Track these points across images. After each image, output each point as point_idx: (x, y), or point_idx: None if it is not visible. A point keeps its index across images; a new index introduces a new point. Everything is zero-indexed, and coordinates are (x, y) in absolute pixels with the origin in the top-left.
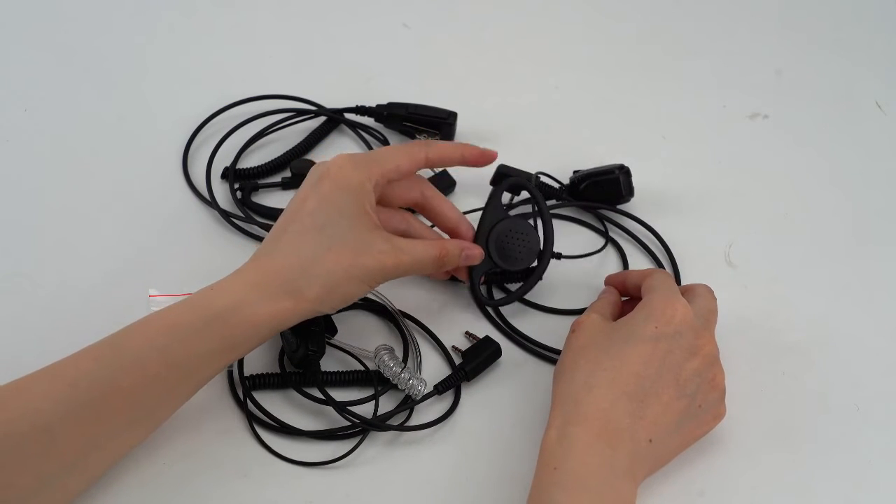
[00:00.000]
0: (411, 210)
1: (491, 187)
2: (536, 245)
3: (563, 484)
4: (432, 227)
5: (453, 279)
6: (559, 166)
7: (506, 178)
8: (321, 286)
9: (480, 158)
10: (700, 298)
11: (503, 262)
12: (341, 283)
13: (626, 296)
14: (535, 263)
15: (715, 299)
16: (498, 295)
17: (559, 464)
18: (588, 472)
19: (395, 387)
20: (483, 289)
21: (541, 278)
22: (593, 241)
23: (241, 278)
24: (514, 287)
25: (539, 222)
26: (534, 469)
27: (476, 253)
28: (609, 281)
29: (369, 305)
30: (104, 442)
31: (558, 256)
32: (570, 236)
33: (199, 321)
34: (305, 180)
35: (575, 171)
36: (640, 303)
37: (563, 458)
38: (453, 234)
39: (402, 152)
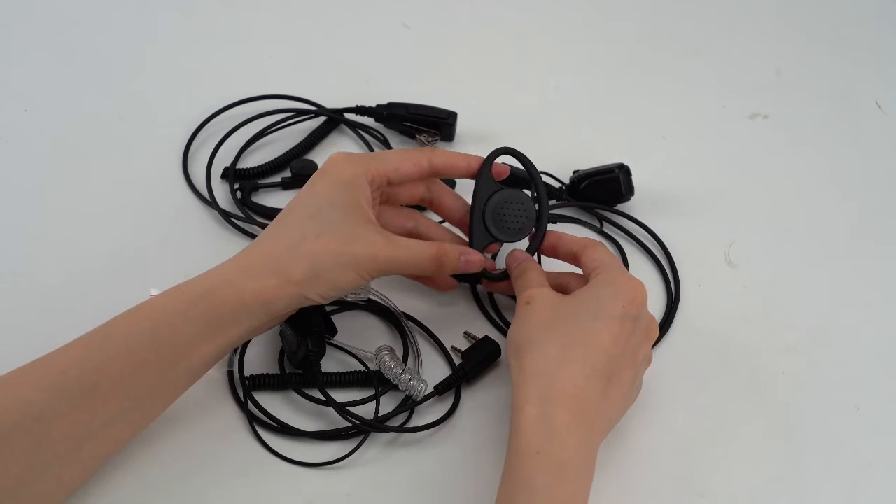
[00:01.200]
0: (421, 209)
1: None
2: (533, 212)
3: (546, 471)
4: (442, 222)
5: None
6: (559, 166)
7: (493, 152)
8: (306, 268)
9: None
10: (627, 274)
11: (503, 234)
12: (328, 269)
13: (552, 258)
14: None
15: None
16: (499, 296)
17: (541, 447)
18: (569, 457)
19: (395, 387)
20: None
21: (542, 240)
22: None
23: (228, 262)
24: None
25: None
26: None
27: (475, 259)
28: (550, 240)
29: (369, 306)
30: (97, 431)
31: (555, 220)
32: None
33: (185, 303)
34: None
35: (575, 171)
36: (598, 278)
37: (545, 442)
38: (461, 227)
39: (404, 155)
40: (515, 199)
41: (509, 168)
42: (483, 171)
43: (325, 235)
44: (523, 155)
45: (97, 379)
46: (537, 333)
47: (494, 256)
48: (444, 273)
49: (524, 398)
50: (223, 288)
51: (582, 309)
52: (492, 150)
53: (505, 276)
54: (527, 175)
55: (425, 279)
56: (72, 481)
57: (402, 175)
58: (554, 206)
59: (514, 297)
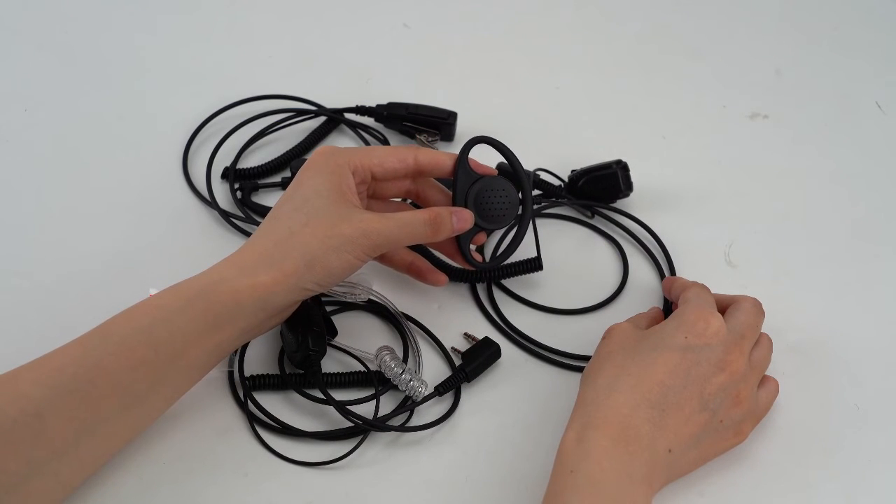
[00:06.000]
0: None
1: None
2: (516, 197)
3: (579, 487)
4: None
5: (452, 278)
6: (559, 166)
7: (469, 142)
8: (298, 258)
9: (476, 169)
10: (741, 313)
11: (487, 223)
12: (321, 256)
13: (669, 301)
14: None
15: (759, 314)
16: (499, 296)
17: (575, 467)
18: (604, 477)
19: (395, 387)
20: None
21: (527, 227)
22: (591, 238)
23: (223, 261)
24: (511, 281)
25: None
26: (534, 469)
27: (467, 216)
28: (664, 284)
29: (369, 307)
30: (95, 428)
31: (539, 202)
32: (567, 235)
33: (181, 300)
34: None
35: (573, 170)
36: (674, 312)
37: (580, 462)
38: None
39: (390, 151)
40: (496, 187)
41: (495, 171)
42: (460, 161)
43: (311, 223)
44: (500, 142)
45: (94, 376)
46: (597, 365)
47: (482, 249)
48: (440, 237)
49: (569, 425)
50: (218, 286)
51: (645, 342)
52: (497, 169)
53: (495, 267)
54: (481, 137)
55: (417, 273)
56: (71, 479)
57: (386, 170)
58: (553, 205)
59: (515, 296)
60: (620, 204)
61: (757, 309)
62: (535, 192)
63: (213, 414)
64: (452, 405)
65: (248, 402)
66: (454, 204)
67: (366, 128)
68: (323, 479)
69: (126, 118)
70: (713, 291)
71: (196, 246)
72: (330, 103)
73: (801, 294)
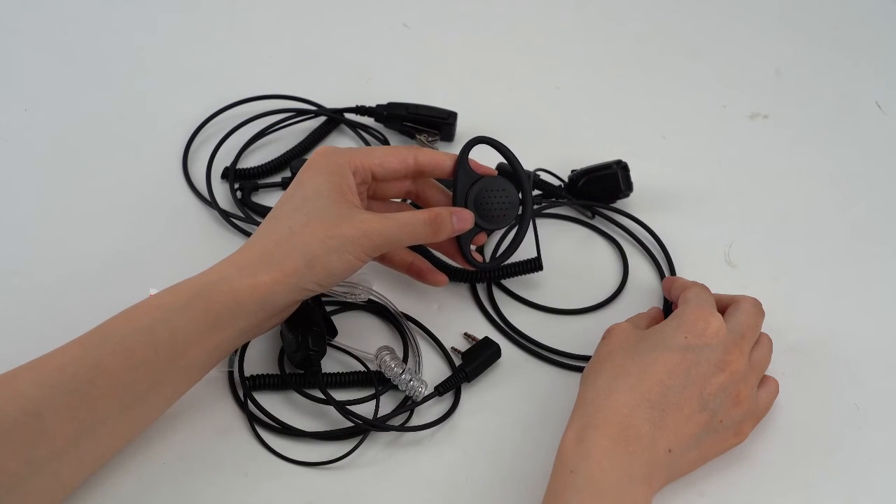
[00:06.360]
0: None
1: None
2: (516, 197)
3: (579, 487)
4: None
5: (452, 278)
6: (559, 167)
7: (469, 142)
8: (298, 258)
9: (476, 170)
10: (741, 313)
11: (487, 223)
12: (321, 256)
13: (669, 301)
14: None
15: (759, 314)
16: (499, 296)
17: (575, 467)
18: (604, 477)
19: (395, 387)
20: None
21: (527, 227)
22: (591, 238)
23: (223, 261)
24: (511, 281)
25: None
26: (534, 469)
27: (467, 216)
28: (664, 284)
29: (369, 307)
30: (95, 427)
31: (539, 202)
32: (567, 235)
33: (182, 300)
34: None
35: (573, 171)
36: (674, 312)
37: (580, 462)
38: None
39: (390, 151)
40: (497, 187)
41: (496, 172)
42: (460, 162)
43: (311, 223)
44: (500, 143)
45: (94, 376)
46: (597, 365)
47: (482, 249)
48: (440, 237)
49: (569, 425)
50: (219, 285)
51: (644, 342)
52: (497, 169)
53: (496, 267)
54: (482, 137)
55: (417, 273)
56: (71, 479)
57: (386, 170)
58: (553, 205)
59: (515, 296)
60: (620, 204)
61: (757, 309)
62: (535, 192)
63: (213, 414)
64: (452, 405)
65: (248, 402)
66: (454, 204)
67: (366, 128)
68: (323, 479)
69: (126, 118)
70: (713, 291)
71: (196, 246)
72: (330, 103)
73: (801, 294)
